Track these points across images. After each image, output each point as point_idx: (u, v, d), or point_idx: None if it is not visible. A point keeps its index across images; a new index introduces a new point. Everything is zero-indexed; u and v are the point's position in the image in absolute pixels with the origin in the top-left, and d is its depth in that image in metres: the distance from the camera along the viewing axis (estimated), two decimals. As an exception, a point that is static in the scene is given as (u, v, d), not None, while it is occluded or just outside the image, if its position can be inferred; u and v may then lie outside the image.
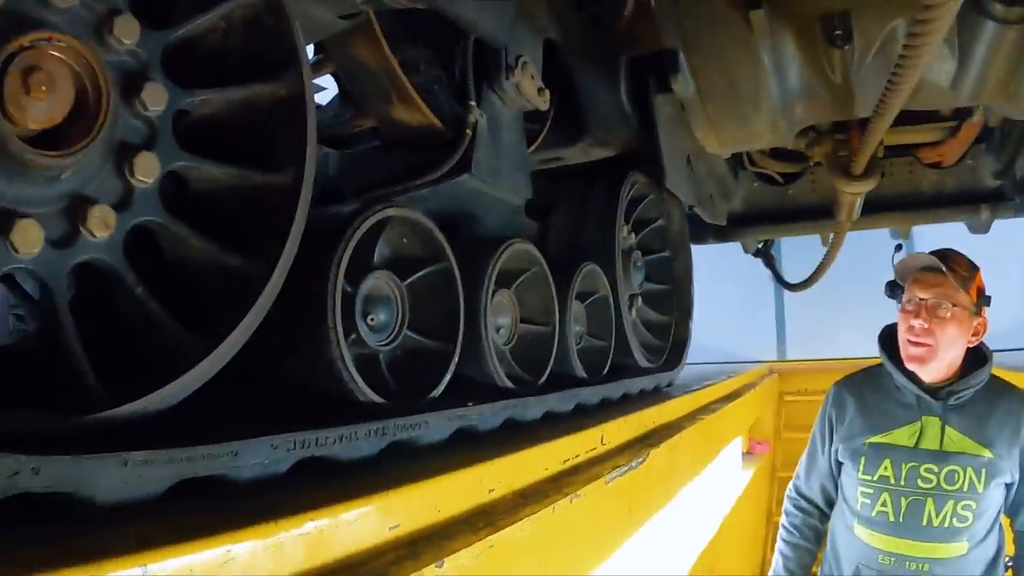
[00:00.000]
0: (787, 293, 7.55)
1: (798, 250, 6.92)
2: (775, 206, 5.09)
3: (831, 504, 3.02)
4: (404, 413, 1.69)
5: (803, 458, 3.13)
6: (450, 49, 2.26)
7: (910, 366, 2.67)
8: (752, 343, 10.09)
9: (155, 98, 1.25)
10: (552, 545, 1.74)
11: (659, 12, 2.45)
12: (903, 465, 2.69)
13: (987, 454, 2.63)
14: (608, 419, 2.51)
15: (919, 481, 2.66)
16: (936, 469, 2.65)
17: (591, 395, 2.79)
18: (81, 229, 1.18)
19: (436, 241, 1.98)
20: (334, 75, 2.41)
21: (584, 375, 2.79)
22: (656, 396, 3.54)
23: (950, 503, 2.64)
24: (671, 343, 3.89)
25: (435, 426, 1.78)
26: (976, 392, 2.68)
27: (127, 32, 1.21)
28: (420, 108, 2.18)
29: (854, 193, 3.58)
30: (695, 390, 3.93)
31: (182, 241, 1.34)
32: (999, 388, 2.75)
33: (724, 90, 2.63)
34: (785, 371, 7.94)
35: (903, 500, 2.69)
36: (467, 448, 1.82)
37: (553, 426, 2.30)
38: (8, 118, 1.06)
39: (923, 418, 2.70)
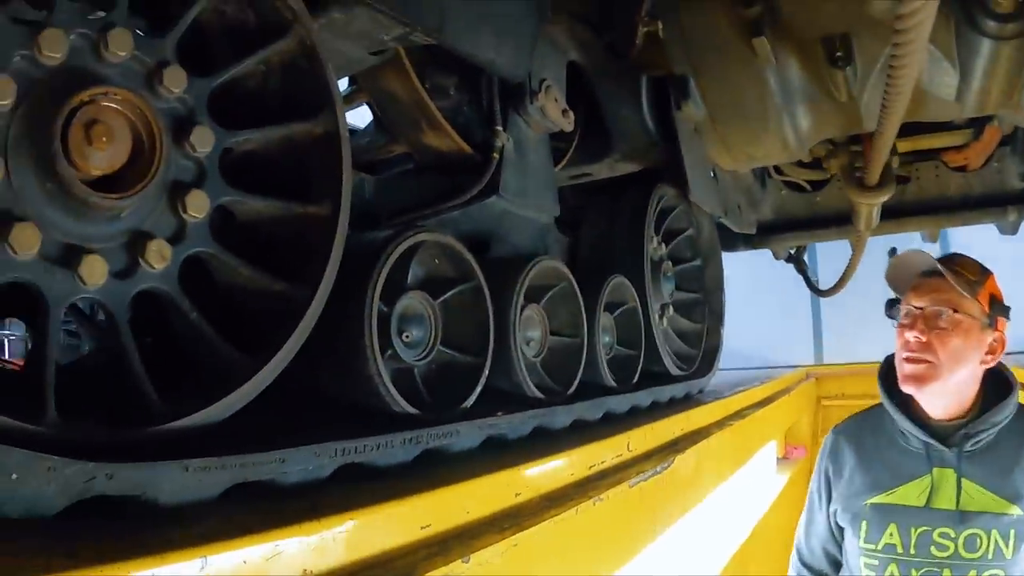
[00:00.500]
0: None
1: (835, 254, 6.93)
2: (803, 213, 5.12)
3: (839, 566, 2.44)
4: (437, 423, 1.80)
5: (802, 517, 2.59)
6: (476, 74, 2.35)
7: (907, 388, 2.12)
8: (789, 348, 10.04)
9: (203, 140, 1.38)
10: (575, 546, 1.84)
11: (668, 41, 2.54)
12: (912, 530, 2.16)
13: (1016, 511, 2.09)
14: (635, 426, 2.60)
15: (933, 549, 2.13)
16: (953, 534, 2.12)
17: (620, 403, 2.86)
18: (140, 261, 1.31)
19: (466, 262, 2.10)
20: (367, 104, 2.52)
21: (613, 384, 2.86)
22: (686, 403, 3.59)
23: (972, 574, 2.10)
24: (702, 351, 3.94)
25: (466, 435, 1.89)
26: (1000, 432, 2.14)
27: (175, 81, 1.34)
28: (449, 134, 2.29)
29: (869, 204, 3.62)
30: (726, 396, 3.97)
31: (231, 269, 1.46)
32: None
33: (733, 112, 2.71)
34: (823, 375, 7.86)
35: (914, 573, 2.15)
36: (496, 455, 1.93)
37: (581, 433, 2.39)
38: (73, 165, 1.19)
39: (934, 470, 2.16)
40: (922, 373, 2.09)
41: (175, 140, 1.36)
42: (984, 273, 2.15)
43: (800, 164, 4.65)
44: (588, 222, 3.41)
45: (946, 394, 2.15)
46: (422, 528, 1.46)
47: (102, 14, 1.27)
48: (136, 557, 1.01)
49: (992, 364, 2.15)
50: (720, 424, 3.53)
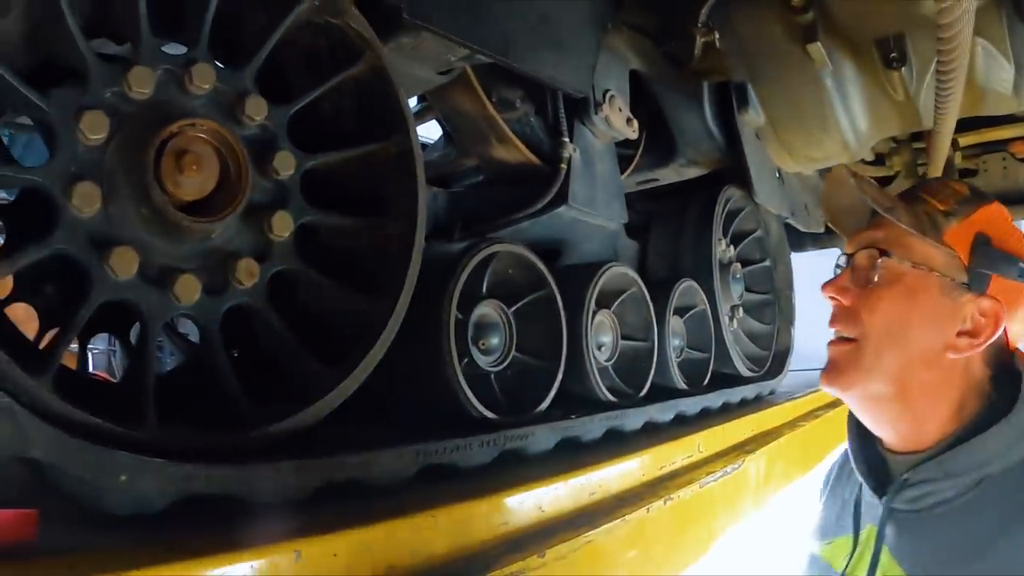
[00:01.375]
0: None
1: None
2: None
3: None
4: (513, 426, 1.87)
5: None
6: (541, 87, 2.38)
7: (825, 388, 1.35)
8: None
9: (284, 164, 1.47)
10: (646, 543, 1.89)
11: (725, 50, 2.57)
12: None
13: None
14: (706, 427, 2.64)
15: None
16: None
17: (691, 405, 2.88)
18: (230, 279, 1.40)
19: (538, 271, 2.16)
20: (437, 119, 2.59)
21: (684, 386, 2.89)
22: (756, 404, 3.59)
23: None
24: (773, 352, 3.93)
25: (541, 437, 1.95)
26: (980, 488, 1.21)
27: (256, 110, 1.43)
28: (517, 146, 2.35)
29: None
30: (799, 397, 3.95)
31: (314, 285, 1.54)
32: None
33: (792, 117, 2.70)
34: None
35: None
36: (570, 456, 1.99)
37: (652, 435, 2.44)
38: (166, 193, 1.29)
39: (866, 526, 1.36)
40: (841, 362, 1.31)
41: (258, 165, 1.44)
42: (969, 201, 1.30)
43: (865, 161, 4.60)
44: (657, 227, 3.44)
45: (892, 403, 1.28)
46: (500, 525, 1.52)
47: (185, 50, 1.37)
48: (234, 550, 1.09)
49: (972, 352, 1.24)
50: (791, 425, 3.52)
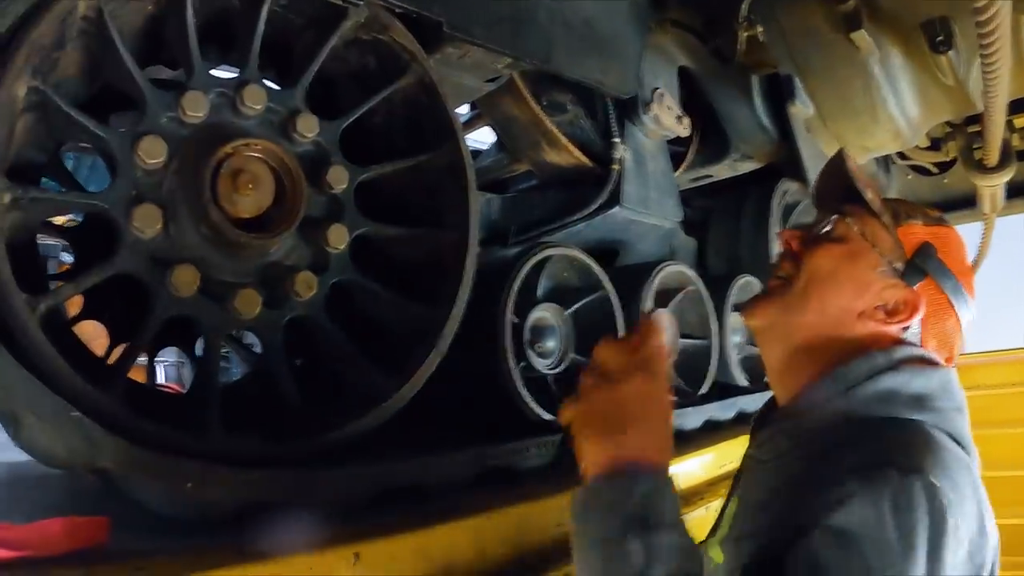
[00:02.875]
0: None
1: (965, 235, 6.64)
2: (932, 196, 4.90)
3: None
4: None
5: None
6: (590, 89, 2.41)
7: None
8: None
9: (338, 178, 1.51)
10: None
11: (769, 43, 2.55)
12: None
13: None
14: (769, 423, 2.61)
15: None
16: None
17: (752, 403, 2.86)
18: (289, 292, 1.44)
19: (593, 272, 2.18)
20: (489, 126, 2.62)
21: (746, 383, 2.87)
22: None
23: None
24: (840, 345, 3.82)
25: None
26: (815, 432, 1.25)
27: (308, 127, 1.47)
28: (568, 150, 2.36)
29: (990, 186, 3.47)
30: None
31: (371, 294, 1.57)
32: (859, 432, 1.20)
33: (841, 107, 2.66)
34: (961, 365, 7.54)
35: None
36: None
37: (713, 433, 2.43)
38: (224, 211, 1.33)
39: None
40: (766, 296, 1.38)
41: (313, 180, 1.48)
42: (934, 220, 1.36)
43: (920, 147, 4.49)
44: (715, 223, 3.43)
45: (793, 353, 1.33)
46: (556, 526, 1.54)
47: (236, 72, 1.41)
48: (296, 553, 1.13)
49: (881, 328, 1.28)
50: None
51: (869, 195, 1.33)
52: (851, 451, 1.13)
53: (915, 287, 1.29)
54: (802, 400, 1.29)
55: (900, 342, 1.29)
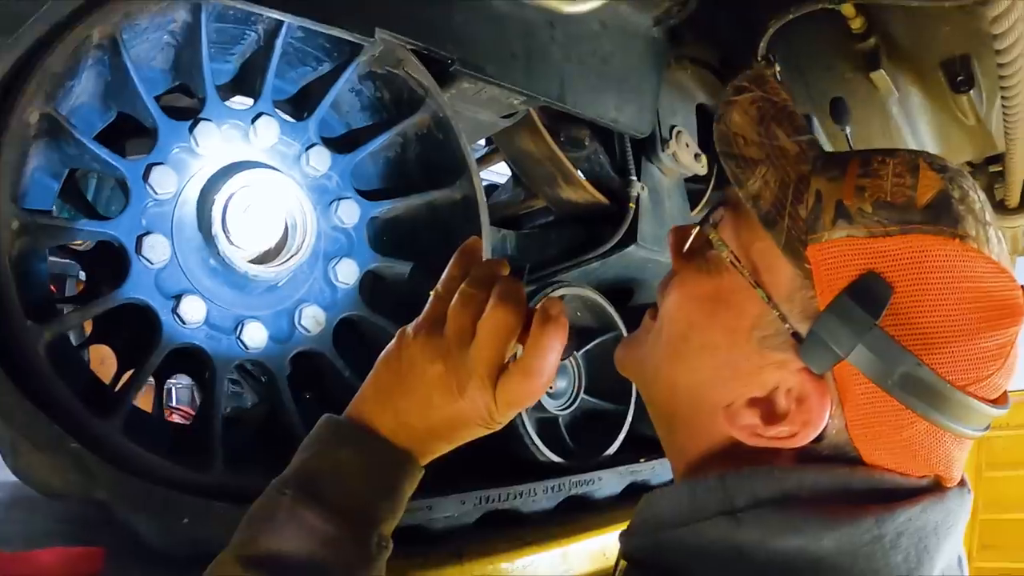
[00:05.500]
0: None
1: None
2: None
3: None
4: (579, 471, 1.86)
5: None
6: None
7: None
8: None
9: (349, 213, 1.50)
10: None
11: (787, 81, 2.54)
12: None
13: None
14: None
15: None
16: None
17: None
18: (297, 326, 1.43)
19: (607, 313, 2.16)
20: (505, 161, 2.61)
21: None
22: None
23: None
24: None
25: (608, 482, 1.94)
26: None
27: (320, 161, 1.47)
28: (585, 187, 2.34)
29: (1012, 227, 3.44)
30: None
31: (381, 330, 1.56)
32: None
33: (860, 147, 2.65)
34: None
35: None
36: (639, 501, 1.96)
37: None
38: (233, 244, 1.33)
39: None
40: (634, 337, 0.99)
41: (324, 214, 1.48)
42: (910, 211, 0.73)
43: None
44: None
45: (655, 414, 0.95)
46: (562, 572, 1.52)
47: (250, 103, 1.41)
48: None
49: (750, 441, 0.79)
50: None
51: (754, 186, 0.78)
52: None
53: (823, 374, 0.74)
54: (641, 505, 0.88)
55: (812, 452, 0.77)
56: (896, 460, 0.74)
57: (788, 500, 0.73)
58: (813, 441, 0.75)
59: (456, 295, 0.85)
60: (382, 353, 0.91)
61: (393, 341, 0.90)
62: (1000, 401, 0.75)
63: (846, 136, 2.45)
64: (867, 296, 0.71)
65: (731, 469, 0.77)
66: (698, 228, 0.89)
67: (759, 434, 0.77)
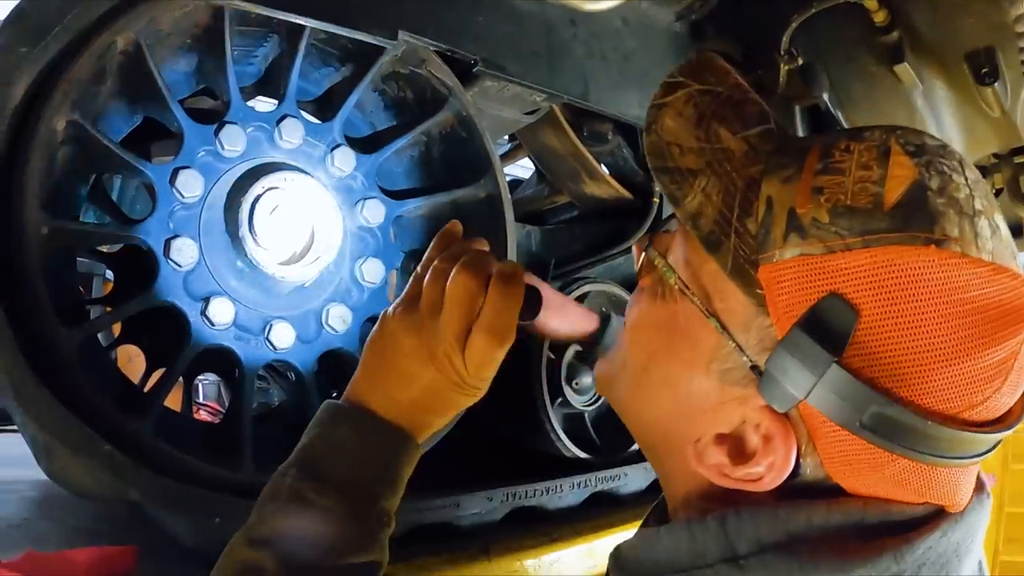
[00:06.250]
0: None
1: None
2: None
3: None
4: (605, 467, 1.86)
5: None
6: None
7: None
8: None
9: (375, 213, 1.51)
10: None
11: (811, 77, 2.52)
12: None
13: None
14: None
15: None
16: None
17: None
18: (324, 326, 1.44)
19: (631, 308, 2.15)
20: (529, 157, 2.61)
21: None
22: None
23: None
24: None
25: (634, 477, 1.93)
26: None
27: (345, 161, 1.48)
28: (608, 182, 2.34)
29: None
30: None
31: (406, 328, 1.56)
32: None
33: None
34: None
35: None
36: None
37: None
38: (260, 245, 1.34)
39: None
40: (600, 363, 0.93)
41: (349, 214, 1.49)
42: (875, 216, 0.62)
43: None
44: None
45: (639, 439, 0.88)
46: (588, 568, 1.52)
47: (273, 104, 1.42)
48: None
49: (719, 482, 0.71)
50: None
51: (692, 203, 0.70)
52: None
53: (788, 411, 0.66)
54: (632, 542, 0.79)
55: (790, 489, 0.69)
56: (887, 493, 0.66)
57: (794, 542, 0.65)
58: (788, 478, 0.67)
59: (429, 270, 0.88)
60: (368, 336, 0.94)
61: (376, 323, 0.93)
62: (1008, 419, 0.65)
63: (827, 105, 2.42)
64: (825, 327, 0.61)
65: (730, 509, 0.68)
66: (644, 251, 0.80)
67: (726, 474, 0.70)
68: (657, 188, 2.34)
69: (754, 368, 0.66)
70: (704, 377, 0.71)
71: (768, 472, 0.67)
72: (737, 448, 0.69)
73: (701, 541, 0.68)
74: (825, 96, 2.44)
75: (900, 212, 0.61)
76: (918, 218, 0.61)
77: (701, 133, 0.73)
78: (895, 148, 0.65)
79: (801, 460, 0.67)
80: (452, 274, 0.85)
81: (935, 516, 0.67)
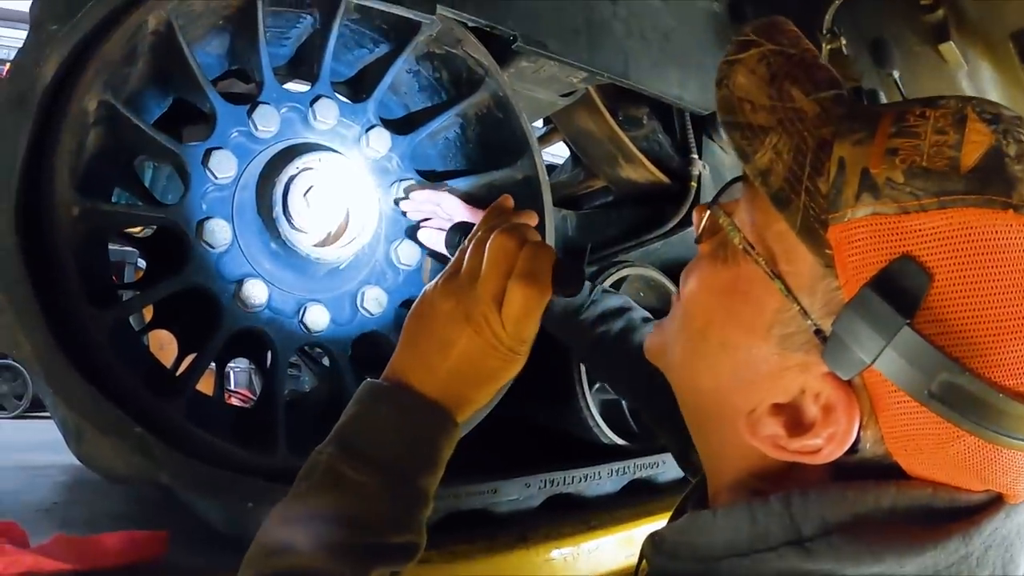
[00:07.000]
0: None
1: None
2: None
3: None
4: (643, 454, 1.83)
5: None
6: (666, 103, 2.37)
7: None
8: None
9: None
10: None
11: (852, 57, 2.47)
12: None
13: None
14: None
15: None
16: None
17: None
18: (360, 308, 1.42)
19: (669, 292, 2.12)
20: (565, 141, 2.58)
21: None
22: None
23: None
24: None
25: (671, 465, 1.90)
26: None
27: (380, 142, 1.45)
28: (645, 166, 2.30)
29: None
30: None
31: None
32: None
33: None
34: None
35: None
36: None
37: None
38: (295, 227, 1.32)
39: None
40: (653, 331, 0.88)
41: (385, 196, 1.47)
42: (952, 179, 0.58)
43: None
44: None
45: (688, 413, 0.82)
46: (627, 557, 1.49)
47: (308, 86, 1.40)
48: None
49: (774, 454, 0.67)
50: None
51: (763, 160, 0.67)
52: None
53: (851, 379, 0.62)
54: (705, 525, 0.71)
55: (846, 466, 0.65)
56: (946, 476, 0.62)
57: (860, 524, 0.62)
58: (846, 453, 0.64)
59: (472, 242, 0.88)
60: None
61: (418, 298, 0.91)
62: None
63: (895, 82, 2.37)
64: (897, 288, 0.58)
65: (794, 489, 0.65)
66: (709, 211, 0.77)
67: (782, 446, 0.66)
68: (694, 172, 2.29)
69: (818, 332, 0.63)
70: (764, 343, 0.67)
71: (827, 444, 0.63)
72: (794, 419, 0.66)
73: (763, 523, 0.65)
74: (895, 73, 2.38)
75: (977, 175, 0.58)
76: (996, 182, 0.58)
77: (773, 91, 0.71)
78: (971, 115, 0.62)
79: (861, 433, 0.63)
80: (490, 239, 0.85)
81: (997, 501, 0.63)
